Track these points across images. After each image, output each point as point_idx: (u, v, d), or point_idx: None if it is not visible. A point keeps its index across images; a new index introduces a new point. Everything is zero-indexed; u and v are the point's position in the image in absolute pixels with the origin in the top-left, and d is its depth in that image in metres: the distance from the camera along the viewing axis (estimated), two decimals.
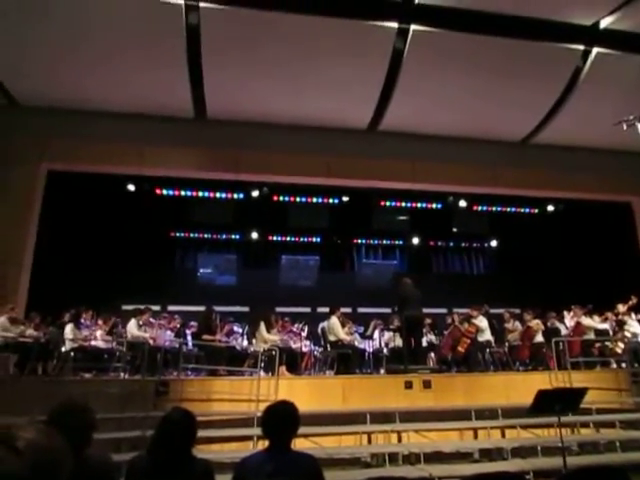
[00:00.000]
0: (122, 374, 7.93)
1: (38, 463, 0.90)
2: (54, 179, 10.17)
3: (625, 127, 5.53)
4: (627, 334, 9.61)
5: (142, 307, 9.00)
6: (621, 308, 9.84)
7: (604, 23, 8.56)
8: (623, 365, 9.21)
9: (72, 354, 7.93)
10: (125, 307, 11.09)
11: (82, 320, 8.71)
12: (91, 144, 9.72)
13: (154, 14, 7.86)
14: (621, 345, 9.58)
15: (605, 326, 9.80)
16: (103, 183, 10.91)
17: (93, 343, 8.47)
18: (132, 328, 8.53)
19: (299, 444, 5.77)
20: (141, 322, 8.68)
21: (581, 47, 9.05)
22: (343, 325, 9.30)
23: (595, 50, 9.05)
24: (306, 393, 7.15)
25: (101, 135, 9.79)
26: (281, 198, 12.92)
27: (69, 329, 8.22)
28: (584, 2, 8.13)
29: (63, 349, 8.06)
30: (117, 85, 9.28)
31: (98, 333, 8.67)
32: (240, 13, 7.95)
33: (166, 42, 8.35)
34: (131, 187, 11.48)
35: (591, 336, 9.49)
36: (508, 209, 13.89)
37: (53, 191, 10.18)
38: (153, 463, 2.35)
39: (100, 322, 8.99)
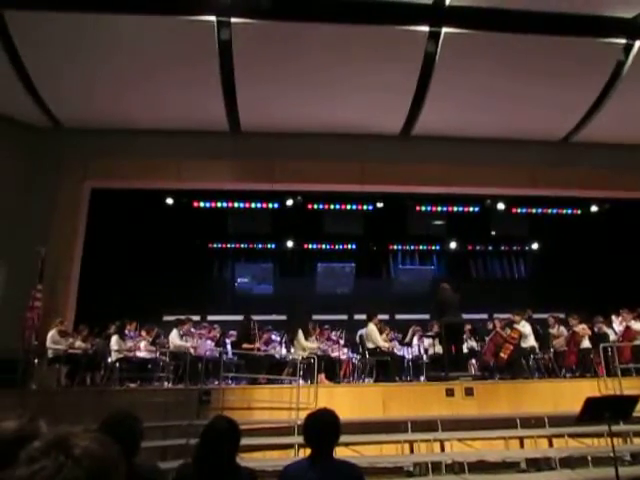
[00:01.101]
0: (166, 383, 8.13)
1: (94, 471, 0.91)
2: (98, 196, 10.61)
3: None
4: None
5: (183, 317, 9.21)
6: None
7: None
8: None
9: (118, 365, 8.20)
10: (166, 318, 11.36)
11: (126, 331, 8.99)
12: (130, 161, 10.09)
13: (187, 32, 8.10)
14: None
15: None
16: (143, 198, 11.31)
17: (137, 354, 8.72)
18: (174, 338, 8.75)
19: (340, 452, 5.74)
20: (182, 332, 8.89)
21: (623, 41, 8.73)
22: (381, 332, 9.24)
23: (638, 43, 8.72)
24: (346, 401, 7.13)
25: (140, 152, 10.14)
26: (315, 206, 12.98)
27: (114, 340, 8.51)
28: None
29: (109, 360, 8.35)
30: (153, 103, 9.61)
31: (142, 344, 8.91)
32: (270, 26, 8.10)
33: (199, 59, 8.58)
34: (169, 201, 11.81)
35: None
36: (549, 211, 13.46)
37: (97, 207, 10.62)
38: (199, 471, 2.39)
39: (143, 333, 9.24)
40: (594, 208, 12.80)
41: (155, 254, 12.55)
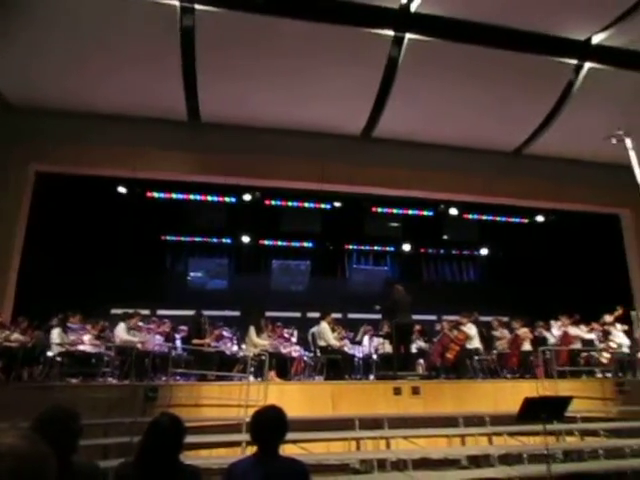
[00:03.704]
0: (110, 379, 7.86)
1: (18, 468, 0.88)
2: (45, 182, 10.10)
3: (614, 141, 5.61)
4: (612, 344, 9.74)
5: (131, 311, 8.93)
6: (607, 318, 9.97)
7: (597, 39, 8.74)
8: (608, 375, 9.30)
9: (59, 359, 7.84)
10: (114, 311, 11.00)
11: (70, 324, 8.62)
12: (81, 146, 9.67)
13: (147, 14, 7.86)
14: (606, 355, 9.69)
15: (591, 336, 9.91)
16: (93, 186, 10.86)
17: (81, 348, 8.37)
18: (120, 332, 8.44)
19: (288, 450, 5.76)
20: (129, 326, 8.60)
21: (574, 61, 9.21)
22: (333, 330, 9.31)
23: (587, 65, 9.21)
24: (296, 398, 7.13)
25: (93, 137, 9.74)
26: (273, 202, 12.94)
27: (56, 333, 8.13)
28: (578, 18, 8.28)
29: (50, 354, 7.97)
30: (108, 87, 9.25)
31: (86, 337, 8.57)
32: (235, 16, 7.97)
33: (160, 45, 8.35)
34: (122, 190, 11.42)
35: (578, 346, 9.58)
36: (499, 218, 14.03)
37: (42, 194, 10.11)
38: (141, 470, 2.33)
39: (88, 326, 8.90)
40: (540, 218, 13.41)
41: (105, 245, 12.11)
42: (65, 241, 11.25)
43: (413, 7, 8.09)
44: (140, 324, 8.96)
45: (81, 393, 6.63)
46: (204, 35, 8.25)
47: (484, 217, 13.94)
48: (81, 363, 8.09)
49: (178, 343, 9.58)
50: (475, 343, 9.37)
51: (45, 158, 9.79)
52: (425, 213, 13.71)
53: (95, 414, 5.99)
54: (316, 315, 9.84)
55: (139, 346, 8.30)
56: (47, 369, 7.82)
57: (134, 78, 8.99)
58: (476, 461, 6.64)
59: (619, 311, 9.86)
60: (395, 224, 14.28)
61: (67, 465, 1.96)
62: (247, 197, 11.97)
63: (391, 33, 8.50)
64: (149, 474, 2.30)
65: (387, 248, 15.81)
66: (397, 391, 7.50)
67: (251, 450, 2.54)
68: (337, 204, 12.86)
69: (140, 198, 11.85)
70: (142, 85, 9.17)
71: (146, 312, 11.40)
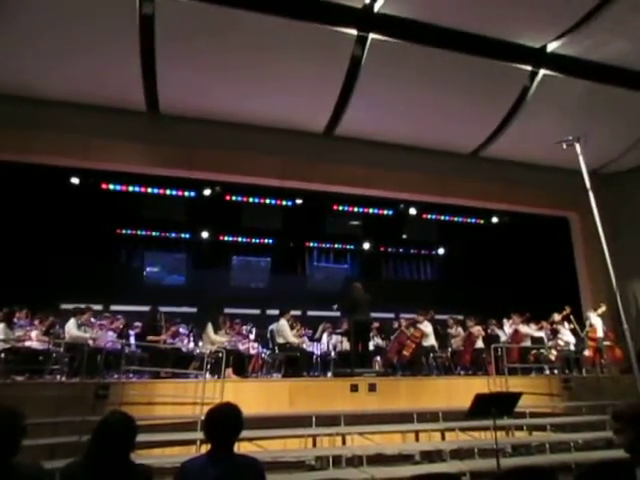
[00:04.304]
0: (59, 377, 7.57)
1: None
2: None
3: (565, 147, 5.83)
4: (560, 342, 10.20)
5: (82, 306, 8.59)
6: (556, 317, 10.42)
7: (551, 47, 9.07)
8: (555, 371, 9.73)
9: (3, 355, 7.47)
10: (65, 306, 10.57)
11: (16, 319, 8.22)
12: (30, 133, 9.19)
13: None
14: (554, 352, 10.13)
15: (541, 334, 10.31)
16: (44, 175, 10.35)
17: (27, 344, 8.01)
18: (71, 328, 8.12)
19: (243, 448, 5.73)
20: (80, 322, 8.28)
21: (529, 68, 9.53)
22: (292, 328, 9.32)
23: (542, 72, 9.55)
24: (252, 396, 7.09)
25: (43, 124, 9.26)
26: (234, 198, 12.77)
27: (0, 329, 7.74)
28: (533, 25, 8.55)
29: None
30: (60, 72, 8.82)
31: (33, 333, 8.22)
32: (197, 6, 7.77)
33: (117, 29, 8.03)
34: (75, 180, 10.98)
35: (528, 343, 9.96)
36: (456, 219, 14.36)
37: None
38: (89, 470, 2.26)
39: (36, 322, 8.53)
40: (495, 219, 13.84)
41: (55, 237, 11.61)
42: (12, 232, 10.70)
43: (376, 7, 8.15)
44: (92, 320, 8.66)
45: (27, 391, 6.33)
46: (164, 24, 8.02)
47: (442, 217, 14.24)
48: (28, 360, 7.73)
49: (132, 340, 9.33)
50: (431, 341, 9.60)
51: None
52: (385, 212, 13.88)
53: (42, 413, 5.76)
54: (276, 312, 9.81)
55: (90, 342, 8.03)
56: None
57: (89, 64, 8.61)
58: (429, 456, 6.80)
59: (567, 310, 10.33)
60: (356, 222, 14.40)
61: (7, 467, 1.87)
62: (207, 192, 11.77)
63: (354, 32, 8.54)
64: (98, 474, 2.23)
65: (347, 246, 15.93)
66: (354, 388, 7.58)
67: (206, 448, 2.50)
68: (298, 201, 12.83)
69: (94, 190, 11.41)
70: (98, 72, 8.80)
71: (99, 307, 11.06)
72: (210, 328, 8.42)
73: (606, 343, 10.08)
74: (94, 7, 7.63)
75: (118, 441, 2.28)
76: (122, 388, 6.71)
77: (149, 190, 12.06)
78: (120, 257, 13.99)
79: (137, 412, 6.09)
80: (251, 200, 12.97)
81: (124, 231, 13.79)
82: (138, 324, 9.71)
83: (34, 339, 8.16)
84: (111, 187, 11.67)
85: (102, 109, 9.61)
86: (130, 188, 11.87)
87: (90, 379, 7.00)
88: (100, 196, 11.68)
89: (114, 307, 11.92)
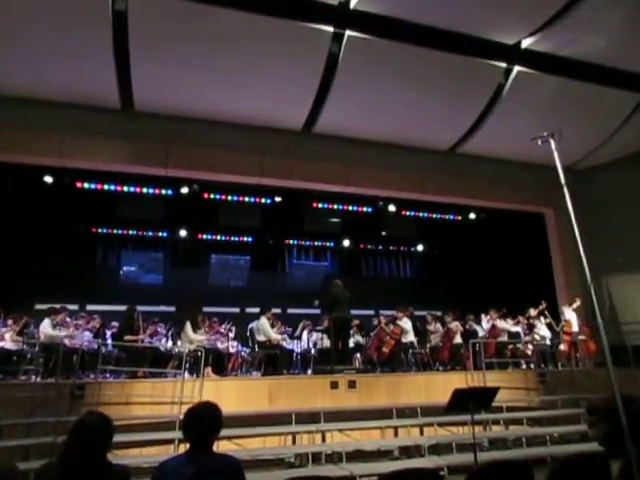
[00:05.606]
0: (33, 377, 7.42)
1: None
2: None
3: (540, 143, 5.92)
4: (536, 337, 10.41)
5: (57, 306, 8.43)
6: (532, 312, 10.62)
7: (525, 43, 9.17)
8: (532, 366, 9.92)
9: None
10: (39, 306, 10.34)
11: None
12: (1, 131, 8.96)
13: None
14: (531, 347, 10.34)
15: (517, 329, 10.52)
16: (16, 174, 10.10)
17: (0, 344, 7.84)
18: (46, 328, 7.95)
19: (223, 446, 5.70)
20: (55, 322, 8.12)
21: (504, 65, 9.64)
22: (272, 325, 9.30)
23: (516, 69, 9.67)
24: (232, 395, 7.07)
25: (15, 121, 9.03)
26: (212, 196, 12.64)
27: None
28: (508, 22, 8.62)
29: None
30: (34, 69, 8.61)
31: (7, 334, 8.04)
32: (171, 3, 7.66)
33: (90, 25, 7.85)
34: (49, 179, 10.73)
35: (505, 338, 10.14)
36: (434, 215, 14.49)
37: None
38: (65, 471, 2.22)
39: (10, 322, 8.33)
40: (472, 216, 14.03)
41: (29, 236, 11.34)
42: None
43: (352, 4, 8.15)
44: (67, 320, 8.50)
45: (1, 392, 6.20)
46: (137, 20, 7.86)
47: (420, 214, 14.35)
48: (1, 361, 7.58)
49: (109, 339, 9.19)
50: (410, 337, 9.69)
51: None
52: (365, 209, 13.93)
53: (16, 414, 5.67)
54: (255, 310, 9.78)
55: (67, 342, 7.88)
56: None
57: (62, 60, 8.40)
58: (408, 451, 6.88)
59: (543, 305, 10.54)
60: (335, 220, 14.41)
61: None
62: (185, 190, 11.64)
63: (331, 29, 8.52)
64: (73, 475, 2.20)
65: (327, 243, 15.94)
66: (334, 385, 7.62)
67: (184, 448, 2.49)
68: (277, 199, 12.78)
69: (69, 188, 11.17)
70: (71, 68, 8.59)
71: (74, 307, 10.85)
72: (189, 327, 8.35)
73: (581, 337, 10.33)
74: (66, 4, 7.46)
75: (95, 441, 2.26)
76: (98, 388, 6.62)
77: (125, 188, 11.84)
78: (96, 256, 13.74)
79: (114, 412, 6.01)
80: (229, 198, 12.85)
81: (100, 230, 13.54)
82: (115, 324, 9.57)
83: (7, 340, 7.99)
84: (86, 186, 11.43)
85: (76, 107, 9.39)
86: (106, 186, 11.63)
87: (65, 379, 6.88)
88: (75, 195, 11.45)
89: (90, 307, 11.71)
